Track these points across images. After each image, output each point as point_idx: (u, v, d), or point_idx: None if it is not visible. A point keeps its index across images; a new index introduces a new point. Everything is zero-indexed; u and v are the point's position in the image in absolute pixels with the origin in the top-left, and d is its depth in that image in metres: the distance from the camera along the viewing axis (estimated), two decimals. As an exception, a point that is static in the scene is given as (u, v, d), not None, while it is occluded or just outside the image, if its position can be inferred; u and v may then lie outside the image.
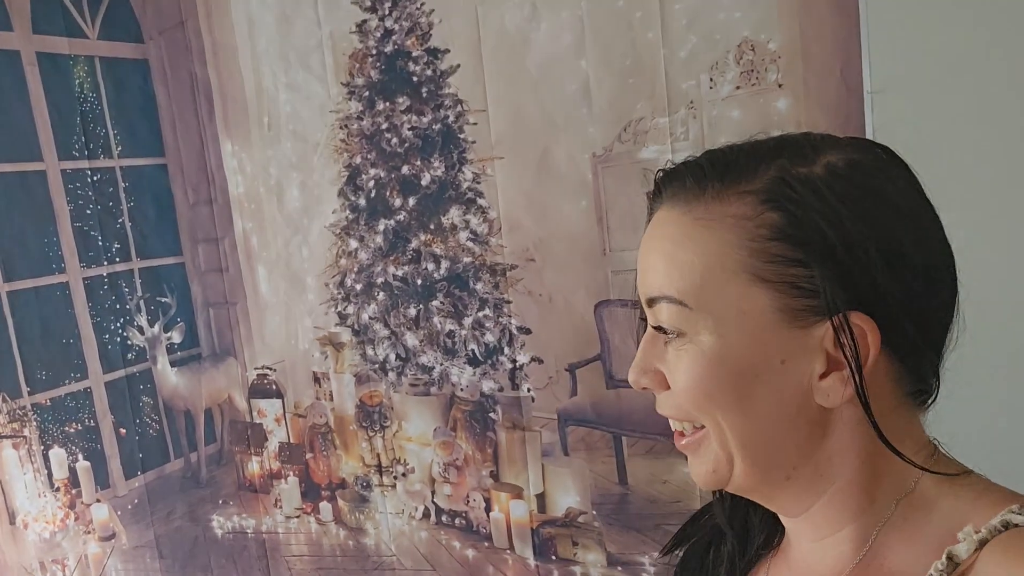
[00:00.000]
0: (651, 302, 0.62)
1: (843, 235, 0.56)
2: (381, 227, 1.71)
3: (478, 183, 1.61)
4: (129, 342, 2.10)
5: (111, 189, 2.03)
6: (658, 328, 0.62)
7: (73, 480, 2.26)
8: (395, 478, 1.81)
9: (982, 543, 0.54)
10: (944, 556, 0.54)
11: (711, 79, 1.35)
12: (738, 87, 1.33)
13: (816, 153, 0.59)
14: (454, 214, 1.63)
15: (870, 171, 0.59)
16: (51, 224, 2.10)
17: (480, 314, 1.65)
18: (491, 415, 1.67)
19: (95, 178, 2.03)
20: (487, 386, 1.66)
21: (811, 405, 0.59)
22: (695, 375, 0.59)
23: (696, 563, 0.77)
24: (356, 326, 1.78)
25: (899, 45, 1.20)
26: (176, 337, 2.04)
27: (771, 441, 0.60)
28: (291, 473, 1.95)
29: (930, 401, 0.63)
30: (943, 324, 0.61)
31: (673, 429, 0.65)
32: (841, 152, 0.59)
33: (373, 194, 1.71)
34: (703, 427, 0.62)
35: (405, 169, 1.66)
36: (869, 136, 1.17)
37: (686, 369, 0.60)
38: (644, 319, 0.65)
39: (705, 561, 0.76)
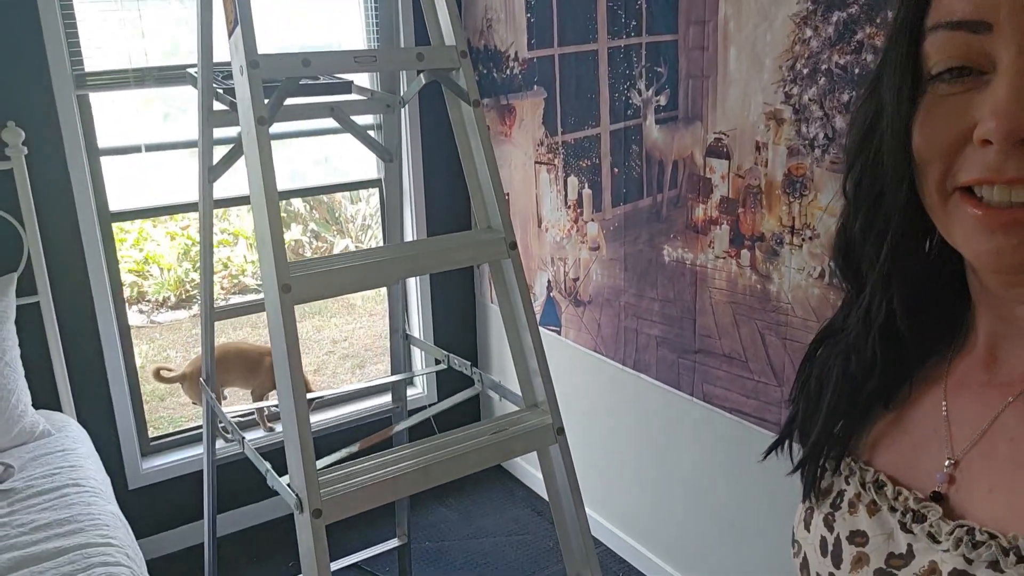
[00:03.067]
0: None
1: None
2: (835, 18, 1.94)
3: (929, -20, 1.72)
4: (630, 101, 2.69)
5: (636, -25, 2.56)
6: None
7: (579, 202, 3.05)
8: (803, 240, 2.15)
9: None
10: None
11: None
12: None
13: None
14: (900, 9, 1.78)
15: None
16: (593, 2, 2.74)
17: (904, 105, 1.82)
18: (893, 198, 1.87)
19: (626, -34, 2.56)
20: (896, 172, 1.86)
21: None
22: None
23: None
24: (797, 105, 2.08)
25: None
26: (662, 100, 2.55)
27: None
28: (725, 222, 2.40)
29: None
30: None
31: (1012, 202, 0.52)
32: None
33: (834, -13, 1.93)
34: None
35: (865, -35, 1.84)
36: None
37: None
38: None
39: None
